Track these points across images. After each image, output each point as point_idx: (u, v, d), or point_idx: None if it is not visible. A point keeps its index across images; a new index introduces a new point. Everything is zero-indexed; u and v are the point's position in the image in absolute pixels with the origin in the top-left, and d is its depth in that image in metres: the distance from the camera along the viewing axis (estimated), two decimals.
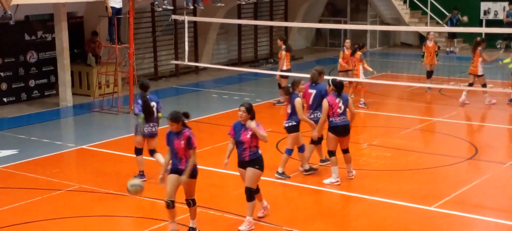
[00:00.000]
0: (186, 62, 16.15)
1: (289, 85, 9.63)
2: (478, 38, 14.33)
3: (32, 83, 15.16)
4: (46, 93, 15.52)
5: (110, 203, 8.52)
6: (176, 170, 6.93)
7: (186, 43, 15.61)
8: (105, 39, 15.61)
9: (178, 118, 6.88)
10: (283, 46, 14.03)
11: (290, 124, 9.09)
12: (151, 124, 8.95)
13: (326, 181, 9.09)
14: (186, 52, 15.56)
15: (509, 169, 10.01)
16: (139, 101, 8.90)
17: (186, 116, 7.03)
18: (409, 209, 8.38)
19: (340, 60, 14.24)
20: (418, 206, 8.40)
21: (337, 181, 8.99)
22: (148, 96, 8.88)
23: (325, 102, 8.73)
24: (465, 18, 13.38)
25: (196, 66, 18.86)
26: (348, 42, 14.50)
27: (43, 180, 9.90)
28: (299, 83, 9.30)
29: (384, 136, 10.99)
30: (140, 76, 16.44)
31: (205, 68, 19.27)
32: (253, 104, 13.97)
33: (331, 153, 8.84)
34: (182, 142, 6.81)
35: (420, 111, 13.70)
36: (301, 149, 9.18)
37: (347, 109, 8.90)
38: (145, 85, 9.03)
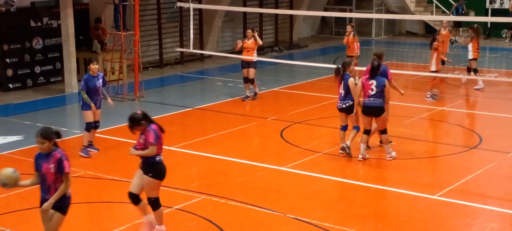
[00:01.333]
0: (191, 50, 16.19)
1: (340, 66, 9.65)
2: (475, 26, 14.60)
3: (37, 69, 15.39)
4: (51, 80, 15.73)
5: (116, 189, 8.59)
6: (44, 201, 5.85)
7: (191, 30, 15.61)
8: (110, 26, 15.75)
9: (48, 135, 5.82)
10: None
11: (347, 104, 9.16)
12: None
13: (388, 157, 9.49)
14: (191, 40, 15.56)
15: (510, 159, 10.03)
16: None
17: (58, 135, 6.02)
18: (413, 197, 8.39)
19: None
20: (422, 195, 8.36)
21: (390, 155, 9.32)
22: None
23: (358, 84, 9.01)
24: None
25: (201, 54, 19.01)
26: (349, 28, 14.51)
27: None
28: (350, 64, 9.45)
29: (389, 124, 10.91)
30: (145, 63, 16.63)
31: (210, 56, 19.30)
32: (259, 92, 13.78)
33: (365, 131, 9.13)
34: (52, 166, 5.76)
35: (425, 101, 13.70)
36: (356, 128, 9.41)
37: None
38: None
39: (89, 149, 9.96)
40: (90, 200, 8.68)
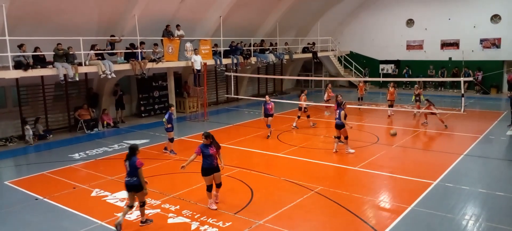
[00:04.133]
0: (232, 95, 22.92)
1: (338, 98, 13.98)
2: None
3: (156, 106, 22.28)
4: (163, 112, 20.47)
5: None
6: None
7: (233, 85, 22.73)
8: (192, 84, 22.60)
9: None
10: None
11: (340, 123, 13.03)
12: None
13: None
14: (232, 90, 22.66)
15: (395, 148, 14.23)
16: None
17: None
18: (346, 169, 12.25)
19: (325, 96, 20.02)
20: (349, 167, 12.26)
21: (348, 151, 13.26)
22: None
23: (342, 112, 12.87)
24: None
25: (237, 97, 24.85)
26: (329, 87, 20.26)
27: (161, 154, 14.08)
28: (343, 103, 13.33)
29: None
30: (209, 103, 22.93)
31: (241, 98, 25.42)
32: (260, 118, 17.46)
33: (337, 137, 13.34)
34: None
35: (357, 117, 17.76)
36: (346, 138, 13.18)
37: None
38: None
39: (168, 152, 13.94)
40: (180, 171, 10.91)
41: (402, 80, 29.29)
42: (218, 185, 9.27)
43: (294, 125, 17.66)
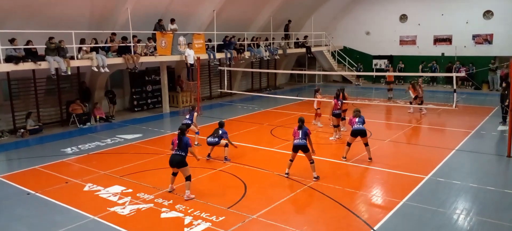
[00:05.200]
0: (225, 90, 23.29)
1: (339, 89, 14.49)
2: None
3: (149, 101, 22.23)
4: (156, 106, 22.06)
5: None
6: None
7: (226, 80, 23.02)
8: (185, 79, 22.78)
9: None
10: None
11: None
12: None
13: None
14: (226, 84, 23.04)
15: (388, 143, 14.38)
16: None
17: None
18: (333, 163, 11.45)
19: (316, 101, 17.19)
20: (337, 161, 11.75)
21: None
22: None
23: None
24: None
25: (230, 92, 25.21)
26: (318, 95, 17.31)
27: (155, 149, 13.96)
28: (343, 90, 14.29)
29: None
30: (203, 97, 22.90)
31: (235, 93, 25.61)
32: (253, 113, 18.96)
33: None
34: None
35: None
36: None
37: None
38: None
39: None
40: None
41: (396, 74, 29.40)
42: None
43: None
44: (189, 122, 13.46)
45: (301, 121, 10.63)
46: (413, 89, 19.06)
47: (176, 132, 9.79)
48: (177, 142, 9.61)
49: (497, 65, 25.94)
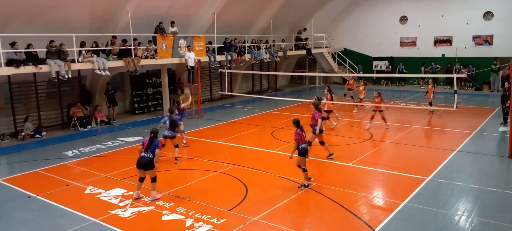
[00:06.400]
0: (226, 92, 23.17)
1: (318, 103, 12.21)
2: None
3: (150, 103, 22.16)
4: (157, 109, 22.06)
5: (196, 162, 12.48)
6: None
7: (226, 82, 22.85)
8: (185, 81, 22.47)
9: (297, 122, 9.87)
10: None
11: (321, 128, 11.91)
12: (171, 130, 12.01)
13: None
14: (226, 87, 22.88)
15: (388, 144, 14.34)
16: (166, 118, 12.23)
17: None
18: (336, 165, 12.02)
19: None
20: (342, 163, 12.07)
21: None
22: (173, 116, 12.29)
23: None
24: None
25: (231, 94, 25.23)
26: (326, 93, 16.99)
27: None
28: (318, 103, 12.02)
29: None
30: (203, 100, 22.95)
31: (235, 95, 25.66)
32: (254, 115, 19.47)
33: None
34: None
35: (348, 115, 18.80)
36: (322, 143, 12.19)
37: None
38: (171, 110, 12.37)
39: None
40: (178, 168, 13.91)
41: (396, 76, 29.32)
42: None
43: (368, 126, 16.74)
44: (180, 121, 13.48)
45: (296, 122, 10.20)
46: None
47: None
48: (146, 143, 9.40)
49: (500, 66, 25.83)
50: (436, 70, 28.31)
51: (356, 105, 19.38)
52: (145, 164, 9.35)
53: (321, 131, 11.89)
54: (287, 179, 10.96)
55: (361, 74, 29.68)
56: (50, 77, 16.46)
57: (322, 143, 12.30)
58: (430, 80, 19.92)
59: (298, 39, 29.65)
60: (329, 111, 16.66)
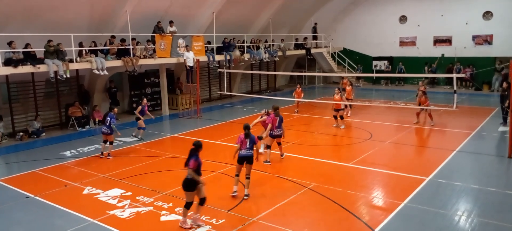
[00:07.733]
0: (225, 92, 23.22)
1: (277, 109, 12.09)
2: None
3: (148, 103, 20.97)
4: (155, 109, 21.90)
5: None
6: (247, 155, 9.31)
7: (225, 82, 22.86)
8: (184, 81, 22.78)
9: (247, 127, 9.60)
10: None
11: (279, 133, 12.00)
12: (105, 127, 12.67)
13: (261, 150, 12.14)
14: (225, 87, 22.87)
15: (388, 144, 14.30)
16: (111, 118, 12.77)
17: (247, 128, 9.46)
18: (335, 165, 12.05)
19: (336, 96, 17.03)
20: (341, 163, 12.01)
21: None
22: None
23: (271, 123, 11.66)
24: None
25: (230, 94, 25.36)
26: (337, 90, 17.16)
27: (154, 151, 13.89)
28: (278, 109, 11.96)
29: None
30: (202, 100, 23.12)
31: (234, 95, 25.79)
32: (255, 114, 18.95)
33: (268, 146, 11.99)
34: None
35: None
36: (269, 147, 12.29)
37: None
38: (112, 107, 13.36)
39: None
40: (176, 168, 13.01)
41: (395, 76, 29.29)
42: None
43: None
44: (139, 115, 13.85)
45: (247, 128, 9.71)
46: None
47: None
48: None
49: (503, 65, 25.81)
50: (435, 70, 28.27)
51: (346, 106, 18.95)
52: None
53: (272, 135, 12.04)
54: (287, 179, 10.94)
55: (360, 74, 29.66)
56: (48, 77, 16.42)
57: (269, 147, 12.39)
58: (421, 82, 18.67)
59: (314, 30, 29.98)
60: (337, 110, 17.00)
